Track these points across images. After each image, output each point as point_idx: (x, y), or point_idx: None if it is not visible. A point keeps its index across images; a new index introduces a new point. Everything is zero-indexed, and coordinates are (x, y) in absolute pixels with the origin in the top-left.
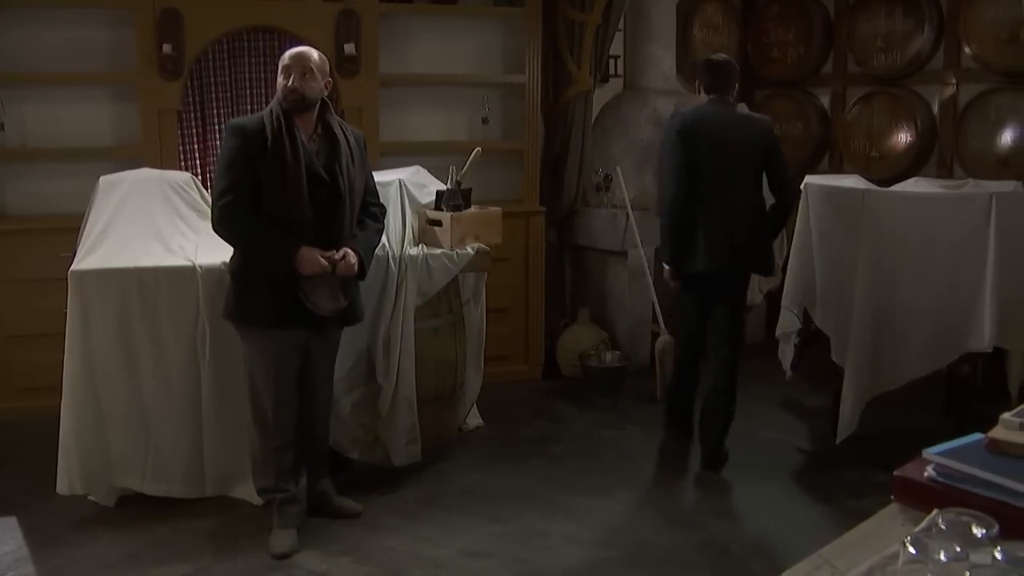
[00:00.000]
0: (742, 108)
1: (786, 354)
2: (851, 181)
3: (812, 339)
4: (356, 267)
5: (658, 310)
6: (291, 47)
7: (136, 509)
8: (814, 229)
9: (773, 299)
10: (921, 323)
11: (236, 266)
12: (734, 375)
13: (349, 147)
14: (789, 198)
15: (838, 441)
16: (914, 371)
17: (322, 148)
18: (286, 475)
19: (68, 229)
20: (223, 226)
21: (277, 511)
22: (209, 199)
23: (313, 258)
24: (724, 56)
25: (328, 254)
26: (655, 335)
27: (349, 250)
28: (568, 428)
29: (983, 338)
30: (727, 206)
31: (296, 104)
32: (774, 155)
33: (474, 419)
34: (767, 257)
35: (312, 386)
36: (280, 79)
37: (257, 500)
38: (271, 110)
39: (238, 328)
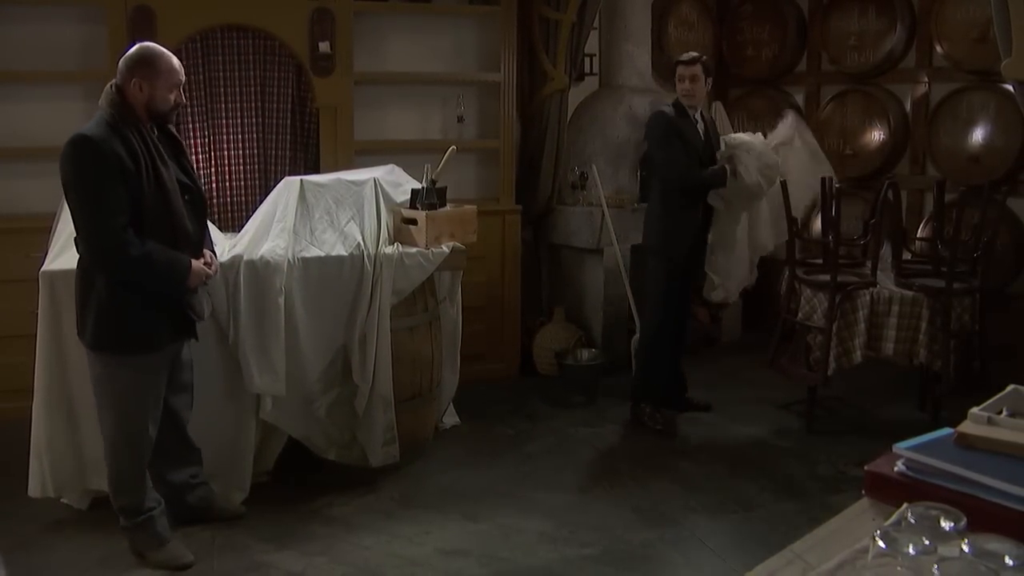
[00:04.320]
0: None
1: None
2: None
3: (788, 335)
4: (217, 269)
5: (634, 308)
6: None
7: (109, 512)
8: None
9: (748, 297)
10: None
11: (112, 293)
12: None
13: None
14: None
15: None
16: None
17: (169, 153)
18: (152, 490)
19: (39, 229)
20: (122, 254)
21: (152, 526)
22: None
23: (200, 269)
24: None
25: (205, 262)
26: (631, 333)
27: (209, 253)
28: (544, 426)
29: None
30: None
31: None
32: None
33: (450, 418)
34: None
35: (183, 394)
36: (164, 92)
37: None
38: (129, 121)
39: (108, 357)
